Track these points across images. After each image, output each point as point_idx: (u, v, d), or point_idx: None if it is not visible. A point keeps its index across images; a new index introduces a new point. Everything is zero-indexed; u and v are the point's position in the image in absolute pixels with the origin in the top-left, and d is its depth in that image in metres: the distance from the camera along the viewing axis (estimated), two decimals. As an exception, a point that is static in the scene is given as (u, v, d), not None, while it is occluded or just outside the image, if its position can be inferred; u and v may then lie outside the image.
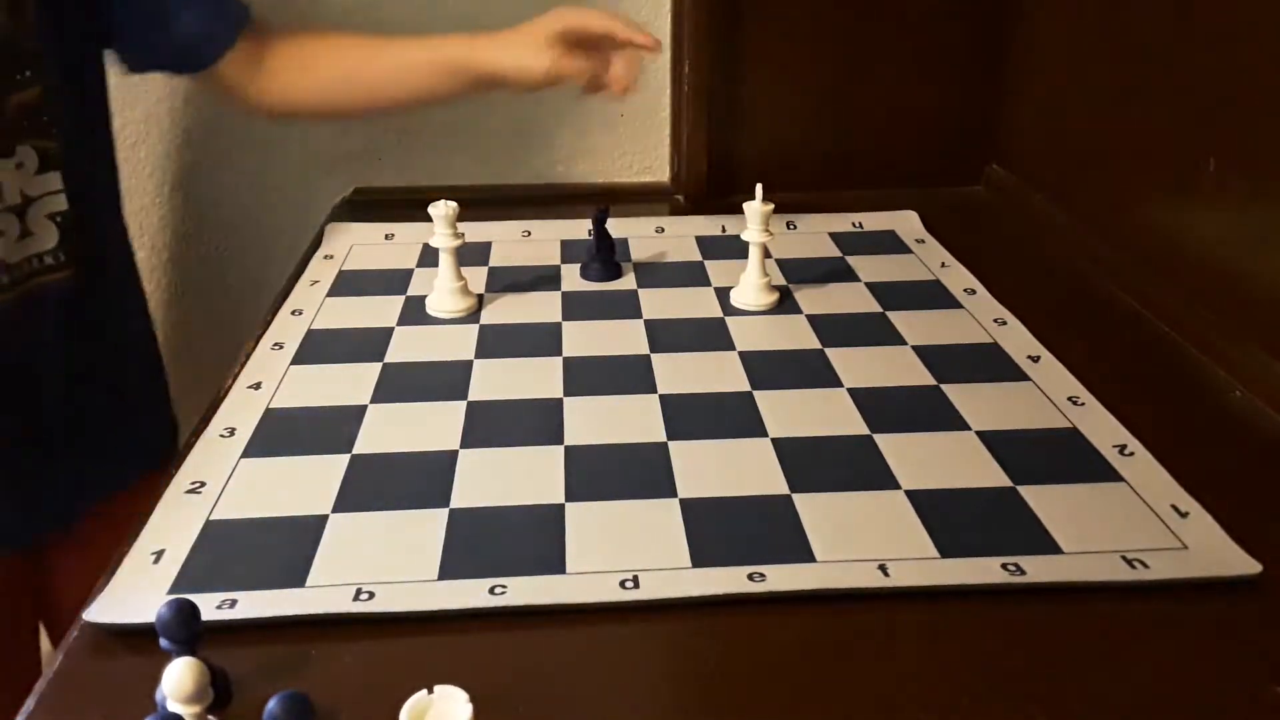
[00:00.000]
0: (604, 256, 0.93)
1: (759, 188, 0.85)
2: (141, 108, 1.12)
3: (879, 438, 0.68)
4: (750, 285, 0.88)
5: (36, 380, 0.82)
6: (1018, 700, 0.48)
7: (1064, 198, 1.03)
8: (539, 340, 0.81)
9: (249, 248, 1.20)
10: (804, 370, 0.76)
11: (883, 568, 0.55)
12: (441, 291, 0.86)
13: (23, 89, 0.77)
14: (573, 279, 0.93)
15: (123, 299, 0.92)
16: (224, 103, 0.99)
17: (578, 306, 0.87)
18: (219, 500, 0.62)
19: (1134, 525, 0.59)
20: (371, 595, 0.53)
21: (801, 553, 0.57)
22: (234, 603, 0.53)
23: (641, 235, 1.02)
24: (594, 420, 0.70)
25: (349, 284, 0.92)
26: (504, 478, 0.64)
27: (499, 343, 0.81)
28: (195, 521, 0.60)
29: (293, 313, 0.86)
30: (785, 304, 0.87)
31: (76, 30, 0.83)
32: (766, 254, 0.89)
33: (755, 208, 0.85)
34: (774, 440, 0.67)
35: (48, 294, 0.80)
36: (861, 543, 0.57)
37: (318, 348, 0.80)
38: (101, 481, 0.87)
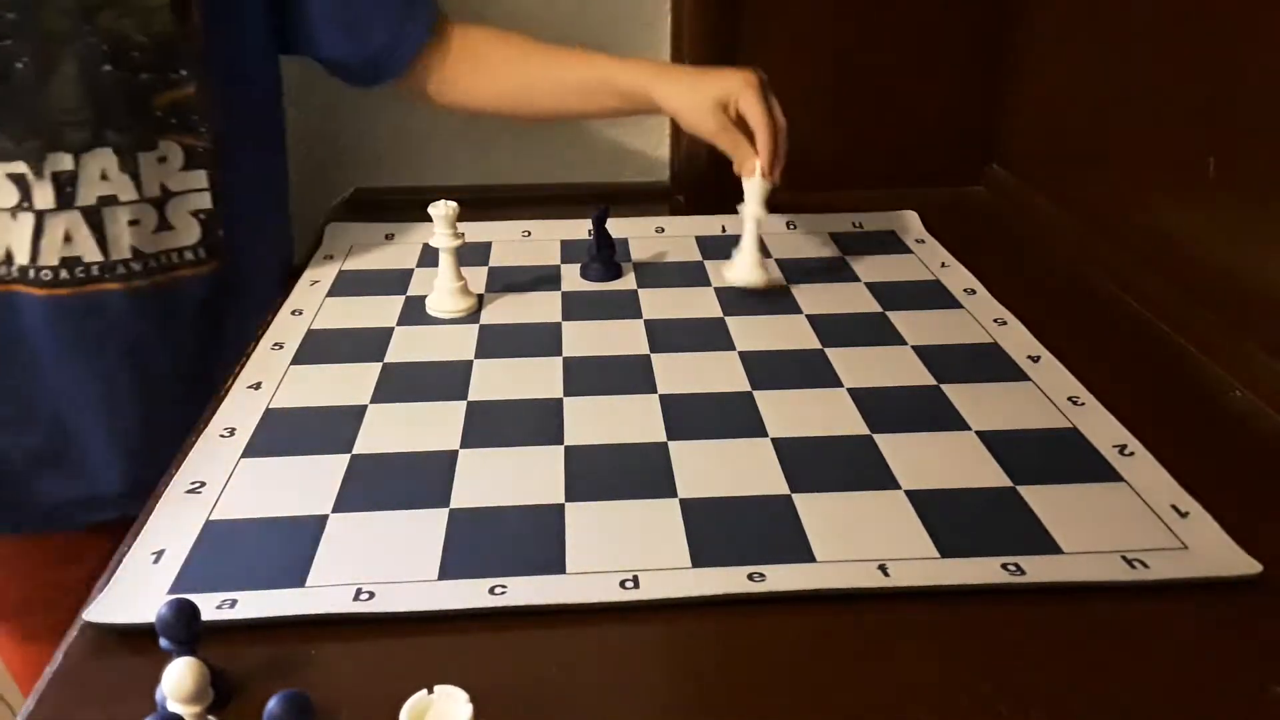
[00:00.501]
0: (604, 256, 0.93)
1: (758, 165, 0.87)
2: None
3: (879, 438, 0.68)
4: (747, 264, 0.88)
5: (159, 371, 0.85)
6: (1018, 700, 0.48)
7: (1064, 198, 1.03)
8: (539, 340, 0.81)
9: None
10: (804, 370, 0.77)
11: (883, 568, 0.55)
12: (441, 291, 0.86)
13: (175, 88, 0.80)
14: (573, 279, 0.93)
15: (261, 298, 0.91)
16: (394, 95, 1.00)
17: (578, 306, 0.87)
18: (219, 500, 0.62)
19: (1134, 525, 0.59)
20: (371, 595, 0.53)
21: (801, 553, 0.57)
22: (234, 603, 0.53)
23: (641, 235, 1.02)
24: (594, 420, 0.70)
25: (349, 284, 0.92)
26: (504, 478, 0.64)
27: (499, 343, 0.81)
28: (195, 521, 0.60)
29: (293, 313, 0.86)
30: (782, 296, 0.87)
31: (247, 37, 0.87)
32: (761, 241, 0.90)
33: (756, 183, 0.87)
34: (774, 440, 0.67)
35: (185, 288, 0.84)
36: (861, 543, 0.57)
37: (318, 348, 0.80)
38: None
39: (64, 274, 0.79)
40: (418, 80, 0.96)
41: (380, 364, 0.78)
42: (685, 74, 0.92)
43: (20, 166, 0.76)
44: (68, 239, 0.79)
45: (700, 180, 1.13)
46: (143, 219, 0.81)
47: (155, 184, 0.81)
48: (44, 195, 0.77)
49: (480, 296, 0.89)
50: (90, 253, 0.79)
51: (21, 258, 0.78)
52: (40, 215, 0.78)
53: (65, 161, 0.77)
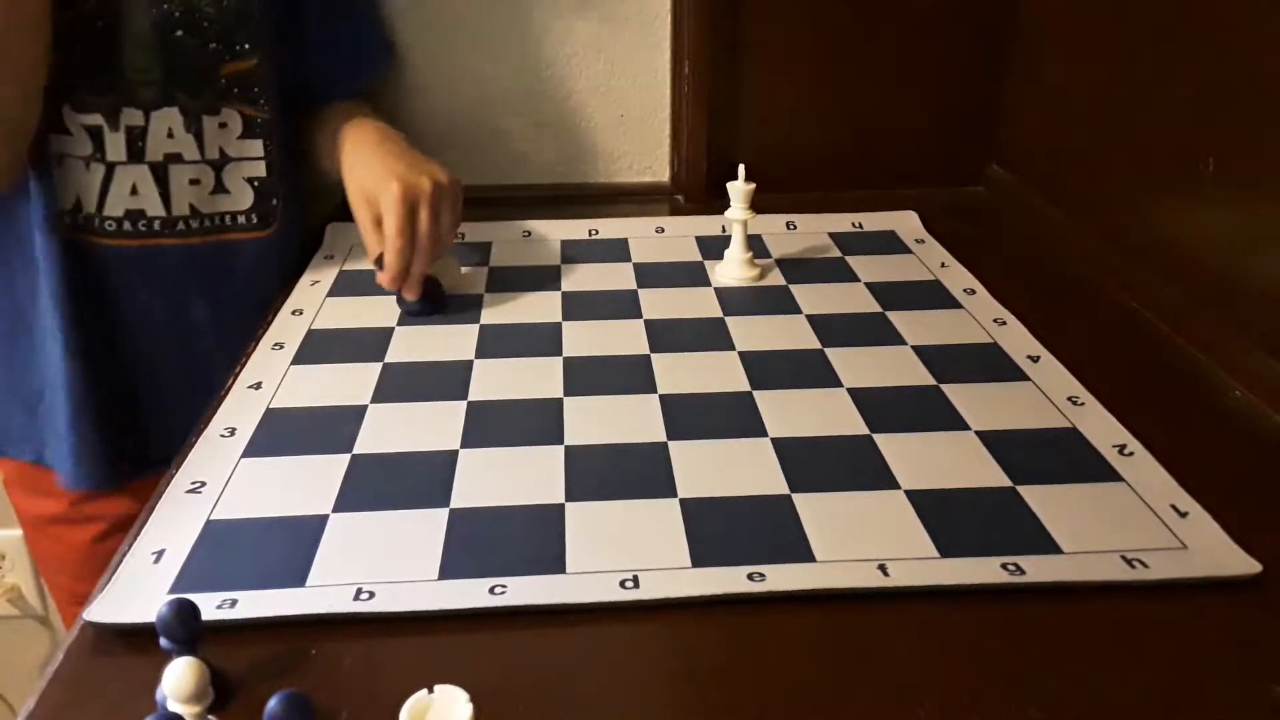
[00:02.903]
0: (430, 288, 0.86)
1: (741, 168, 0.90)
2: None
3: (879, 438, 0.68)
4: (735, 261, 0.92)
5: (202, 328, 0.91)
6: (1018, 700, 0.48)
7: (1064, 198, 1.03)
8: (539, 340, 0.81)
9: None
10: (804, 370, 0.77)
11: (883, 568, 0.55)
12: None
13: (239, 59, 0.87)
14: (573, 278, 0.93)
15: (292, 266, 0.96)
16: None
17: (578, 306, 0.87)
18: (219, 500, 0.62)
19: (1134, 525, 0.59)
20: (372, 595, 0.53)
21: (801, 553, 0.57)
22: (234, 602, 0.53)
23: (641, 235, 1.02)
24: (594, 420, 0.70)
25: (349, 284, 0.92)
26: (504, 478, 0.64)
27: (499, 343, 0.81)
28: (196, 521, 0.60)
29: (293, 313, 0.86)
30: (782, 296, 0.87)
31: (294, 19, 0.93)
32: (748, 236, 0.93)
33: (738, 187, 0.90)
34: (774, 440, 0.67)
35: (237, 249, 0.90)
36: (861, 543, 0.57)
37: (318, 348, 0.80)
38: None
39: (127, 225, 0.85)
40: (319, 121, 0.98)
41: (380, 364, 0.78)
42: (367, 158, 0.89)
43: (97, 118, 0.82)
44: (134, 191, 0.85)
45: (700, 180, 1.13)
46: (202, 179, 0.87)
47: (215, 147, 0.87)
48: (116, 147, 0.84)
49: (481, 296, 0.89)
50: (154, 207, 0.86)
51: (89, 207, 0.84)
52: (111, 167, 0.84)
53: (137, 117, 0.84)
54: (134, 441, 0.90)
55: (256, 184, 0.90)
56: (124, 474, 0.90)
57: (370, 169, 0.86)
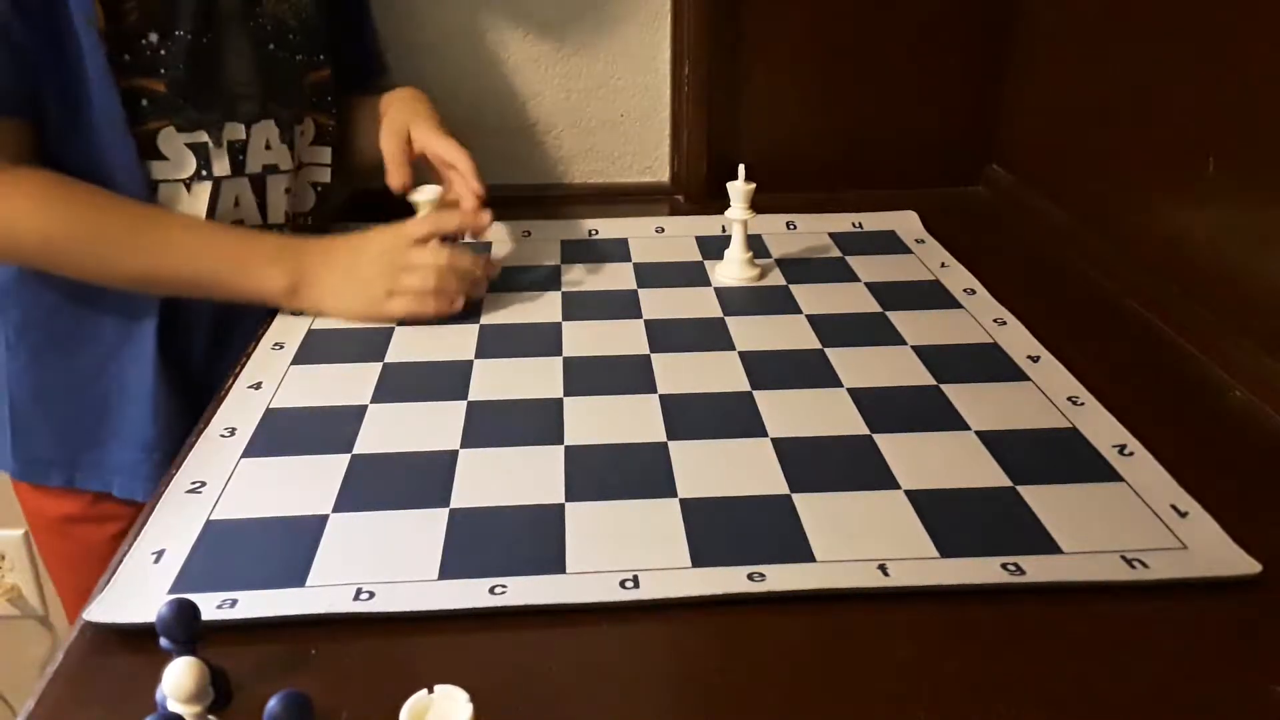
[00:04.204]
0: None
1: (741, 168, 0.90)
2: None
3: (879, 438, 0.68)
4: (735, 260, 0.92)
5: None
6: (1018, 700, 0.48)
7: (1064, 198, 1.03)
8: (539, 340, 0.81)
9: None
10: (804, 370, 0.77)
11: (882, 568, 0.55)
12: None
13: (318, 69, 0.91)
14: (573, 278, 0.93)
15: None
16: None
17: (578, 306, 0.87)
18: (219, 500, 0.62)
19: (1134, 525, 0.59)
20: (371, 595, 0.53)
21: (801, 553, 0.57)
22: (234, 602, 0.53)
23: (641, 235, 1.02)
24: (594, 420, 0.70)
25: (349, 284, 0.92)
26: (504, 478, 0.64)
27: (499, 343, 0.81)
28: (196, 521, 0.60)
29: (294, 313, 0.86)
30: (782, 296, 0.87)
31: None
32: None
33: (739, 187, 0.90)
34: (774, 440, 0.67)
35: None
36: (861, 543, 0.57)
37: (318, 348, 0.80)
38: None
39: None
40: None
41: (380, 364, 0.78)
42: (422, 108, 0.96)
43: (202, 136, 0.83)
44: (236, 204, 0.87)
45: (700, 180, 1.14)
46: (293, 188, 0.91)
47: (299, 157, 0.91)
48: (221, 163, 0.85)
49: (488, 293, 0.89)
50: (252, 217, 0.88)
51: None
52: (218, 182, 0.85)
53: (239, 131, 0.85)
54: None
55: (319, 189, 0.94)
56: None
57: (427, 119, 0.92)
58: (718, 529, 0.59)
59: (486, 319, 0.85)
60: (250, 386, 0.75)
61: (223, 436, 0.68)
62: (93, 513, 0.92)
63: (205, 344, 0.87)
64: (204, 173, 0.84)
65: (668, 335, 0.82)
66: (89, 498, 0.91)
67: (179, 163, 0.83)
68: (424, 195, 0.89)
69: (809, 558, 0.56)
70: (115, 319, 0.85)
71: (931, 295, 0.89)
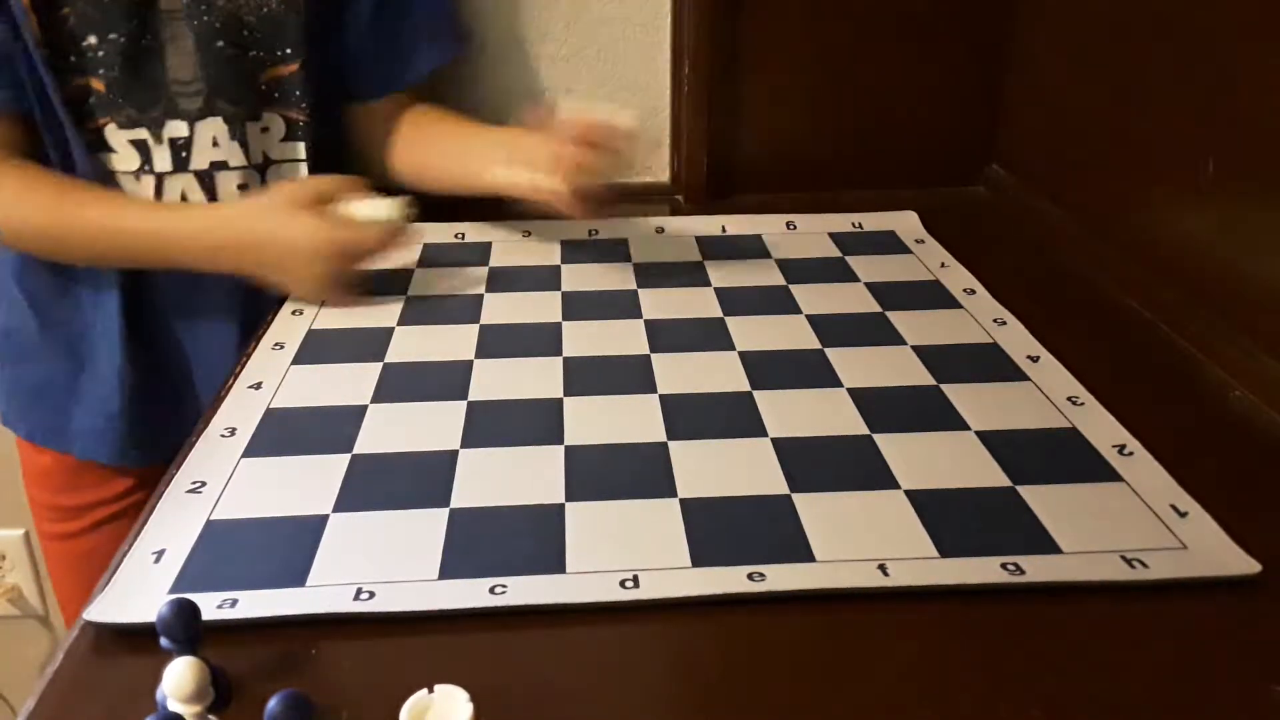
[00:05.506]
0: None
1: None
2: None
3: (879, 438, 0.68)
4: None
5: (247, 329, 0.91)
6: (1018, 700, 0.48)
7: (1064, 198, 1.03)
8: (539, 340, 0.81)
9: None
10: (804, 370, 0.77)
11: (882, 567, 0.55)
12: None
13: (280, 64, 0.89)
14: (573, 278, 0.93)
15: None
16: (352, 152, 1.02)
17: (578, 306, 0.87)
18: (220, 500, 0.62)
19: (1133, 525, 0.59)
20: (371, 595, 0.53)
21: (801, 553, 0.57)
22: (234, 602, 0.53)
23: (641, 235, 1.02)
24: (594, 420, 0.70)
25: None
26: (504, 478, 0.64)
27: (499, 343, 0.81)
28: (196, 521, 0.60)
29: (293, 312, 0.86)
30: (775, 292, 0.87)
31: (341, 20, 0.94)
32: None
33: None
34: (774, 440, 0.67)
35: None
36: (861, 543, 0.57)
37: (318, 348, 0.80)
38: None
39: None
40: (378, 118, 0.99)
41: (380, 364, 0.78)
42: (500, 136, 0.96)
43: (142, 133, 0.85)
44: (184, 198, 0.88)
45: (700, 180, 1.13)
46: (250, 183, 0.90)
47: (259, 152, 0.90)
48: (162, 160, 0.87)
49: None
50: None
51: None
52: (160, 177, 0.87)
53: (181, 129, 0.86)
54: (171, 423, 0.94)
55: None
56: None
57: (521, 140, 0.89)
58: (718, 529, 0.59)
59: (486, 319, 0.85)
60: (250, 386, 0.75)
61: (223, 436, 0.68)
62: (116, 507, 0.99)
63: (169, 318, 0.92)
64: (146, 168, 0.86)
65: (668, 335, 0.82)
66: (119, 488, 0.98)
67: (125, 157, 0.86)
68: (368, 209, 0.84)
69: (809, 558, 0.56)
70: (88, 290, 0.90)
71: (931, 295, 0.89)
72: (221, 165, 0.88)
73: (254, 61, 0.87)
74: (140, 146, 0.86)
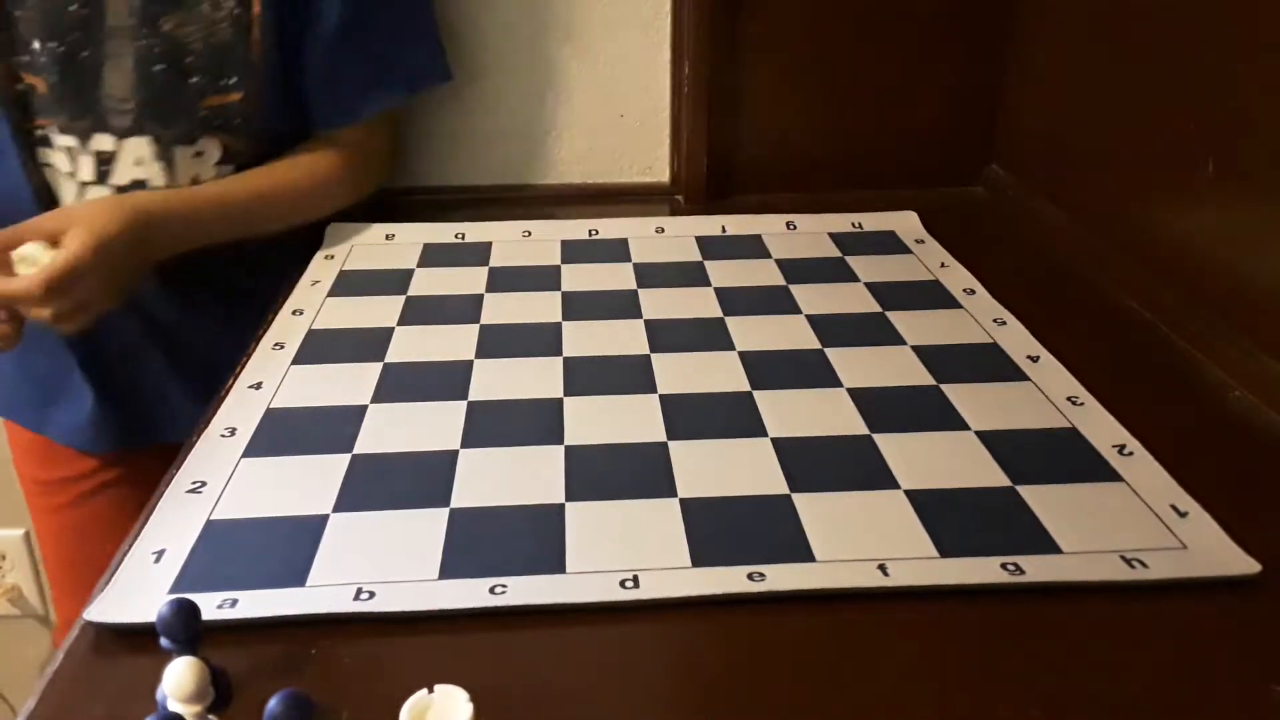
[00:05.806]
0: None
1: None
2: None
3: (879, 438, 0.68)
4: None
5: (184, 347, 0.95)
6: (1018, 700, 0.48)
7: (1064, 198, 1.03)
8: (539, 340, 0.81)
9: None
10: (804, 370, 0.77)
11: (882, 567, 0.55)
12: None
13: (223, 93, 0.88)
14: (573, 278, 0.93)
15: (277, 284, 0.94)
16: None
17: (578, 306, 0.87)
18: (220, 500, 0.62)
19: (1133, 525, 0.59)
20: (372, 595, 0.53)
21: (801, 552, 0.57)
22: (235, 602, 0.53)
23: (641, 235, 1.02)
24: (594, 420, 0.70)
25: (349, 284, 0.92)
26: (504, 478, 0.64)
27: (499, 343, 0.81)
28: (196, 521, 0.60)
29: (293, 313, 0.86)
30: (775, 292, 0.87)
31: (298, 51, 0.92)
32: None
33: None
34: (774, 440, 0.67)
35: (206, 270, 0.91)
36: (861, 542, 0.57)
37: (318, 348, 0.80)
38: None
39: None
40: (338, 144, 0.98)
41: (380, 364, 0.78)
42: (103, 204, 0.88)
43: (71, 140, 0.87)
44: None
45: (700, 180, 1.13)
46: None
47: (188, 175, 0.90)
48: (86, 170, 0.88)
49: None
50: None
51: None
52: (83, 186, 0.89)
53: (107, 143, 0.87)
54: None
55: None
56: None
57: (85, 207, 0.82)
58: (718, 529, 0.59)
59: (486, 319, 0.85)
60: (250, 386, 0.75)
61: (223, 436, 0.68)
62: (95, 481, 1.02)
63: (142, 319, 0.93)
64: (72, 173, 0.88)
65: (668, 335, 0.82)
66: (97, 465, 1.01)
67: (59, 156, 0.89)
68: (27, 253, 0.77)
69: (809, 557, 0.56)
70: None
71: (931, 295, 0.89)
72: (141, 184, 0.89)
73: (194, 88, 0.87)
74: (69, 154, 0.88)
